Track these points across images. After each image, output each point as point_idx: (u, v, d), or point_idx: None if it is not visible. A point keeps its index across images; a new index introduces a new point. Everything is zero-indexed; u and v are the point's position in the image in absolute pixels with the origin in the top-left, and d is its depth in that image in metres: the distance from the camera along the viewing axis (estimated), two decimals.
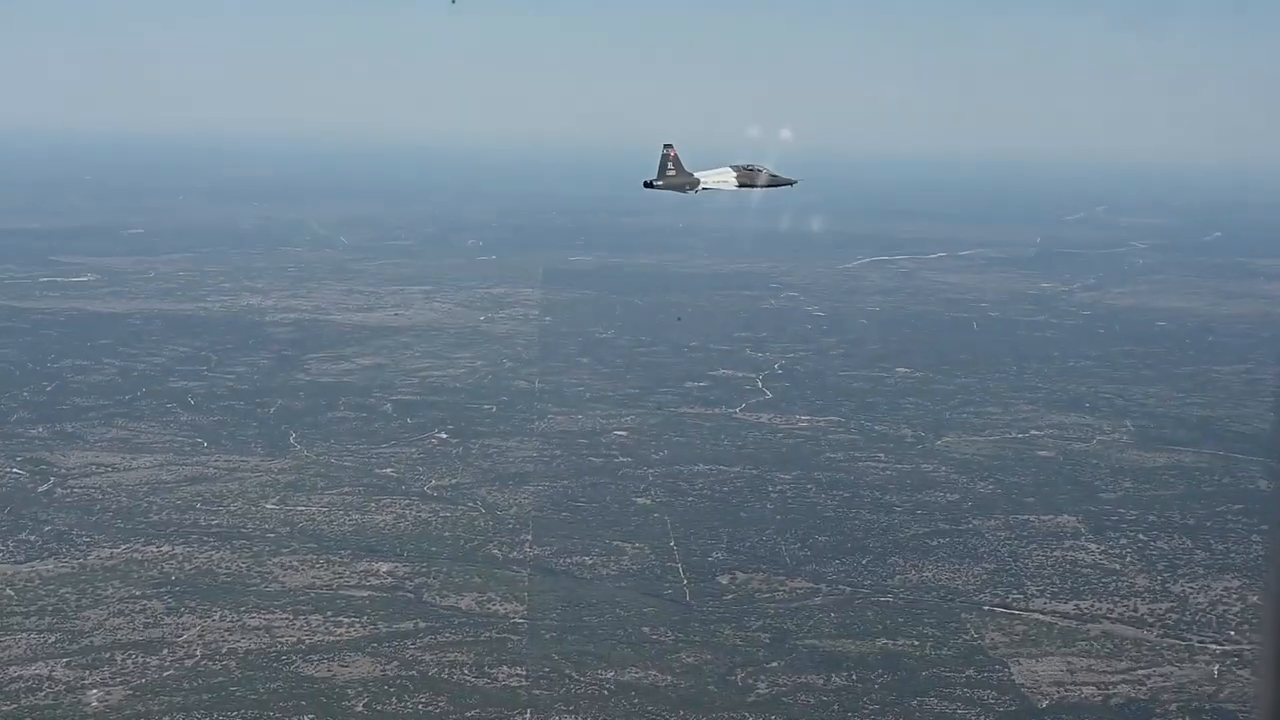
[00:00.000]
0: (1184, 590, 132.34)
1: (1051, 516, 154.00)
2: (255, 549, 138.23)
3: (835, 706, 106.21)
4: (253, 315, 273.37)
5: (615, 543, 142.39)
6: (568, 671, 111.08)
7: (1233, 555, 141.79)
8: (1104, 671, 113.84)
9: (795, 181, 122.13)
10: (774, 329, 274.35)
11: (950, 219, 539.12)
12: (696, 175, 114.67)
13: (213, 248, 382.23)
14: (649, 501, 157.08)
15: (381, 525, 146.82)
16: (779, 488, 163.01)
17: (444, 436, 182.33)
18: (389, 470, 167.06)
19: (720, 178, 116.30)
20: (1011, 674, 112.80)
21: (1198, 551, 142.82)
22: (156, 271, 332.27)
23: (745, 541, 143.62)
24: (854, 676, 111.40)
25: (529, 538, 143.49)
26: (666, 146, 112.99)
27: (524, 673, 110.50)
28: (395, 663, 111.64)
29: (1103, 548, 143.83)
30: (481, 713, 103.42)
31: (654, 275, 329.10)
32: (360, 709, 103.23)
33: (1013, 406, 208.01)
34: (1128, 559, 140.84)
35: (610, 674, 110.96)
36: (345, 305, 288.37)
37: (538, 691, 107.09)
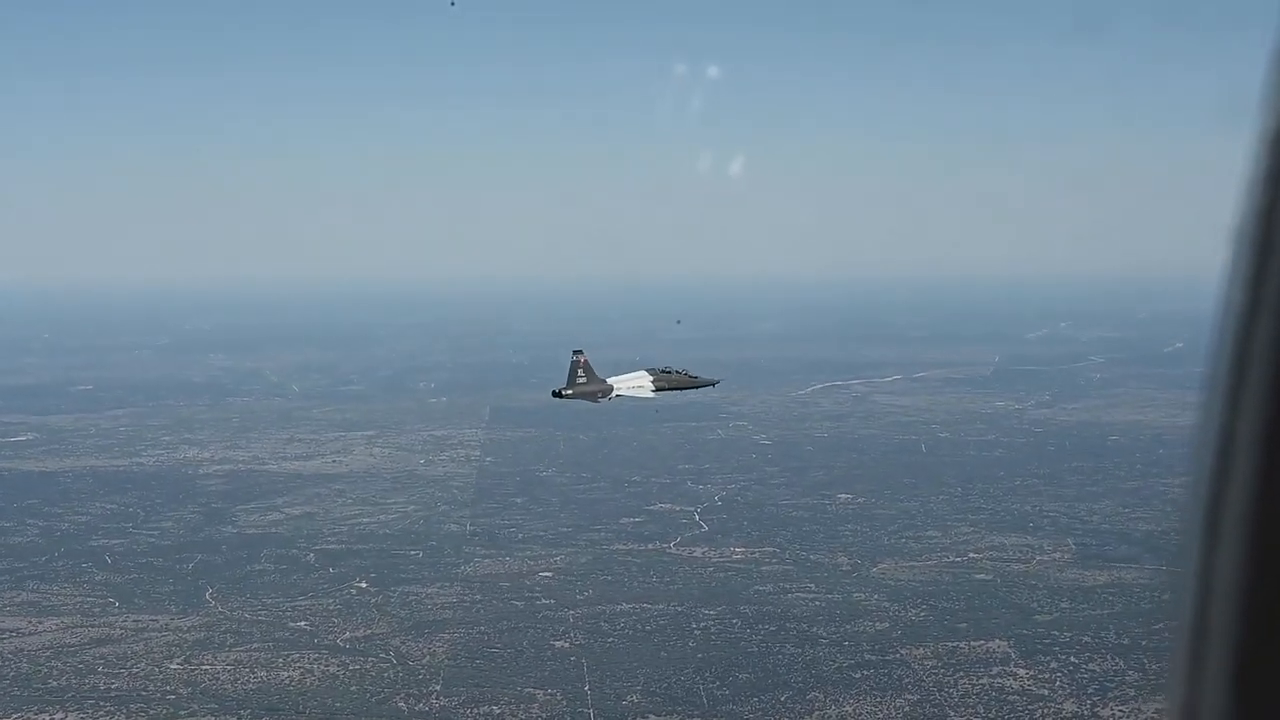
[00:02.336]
0: (1114, 714, 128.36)
1: (982, 642, 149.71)
2: (152, 712, 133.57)
3: None
4: (187, 468, 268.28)
5: (527, 690, 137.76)
6: None
7: (1167, 675, 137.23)
8: None
9: (716, 381, 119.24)
10: (718, 460, 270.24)
11: (908, 341, 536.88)
12: (610, 381, 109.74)
13: (159, 401, 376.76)
14: (567, 645, 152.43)
15: (287, 682, 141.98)
16: (703, 624, 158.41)
17: (364, 586, 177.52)
18: (303, 623, 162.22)
19: (636, 383, 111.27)
20: None
21: (1130, 672, 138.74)
22: (97, 428, 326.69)
23: (662, 682, 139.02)
24: None
25: (438, 688, 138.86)
26: (576, 353, 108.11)
27: None
28: None
29: (1032, 673, 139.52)
30: None
31: (601, 410, 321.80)
32: None
33: (953, 529, 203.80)
34: (1057, 683, 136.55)
35: None
36: (283, 454, 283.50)
37: None
